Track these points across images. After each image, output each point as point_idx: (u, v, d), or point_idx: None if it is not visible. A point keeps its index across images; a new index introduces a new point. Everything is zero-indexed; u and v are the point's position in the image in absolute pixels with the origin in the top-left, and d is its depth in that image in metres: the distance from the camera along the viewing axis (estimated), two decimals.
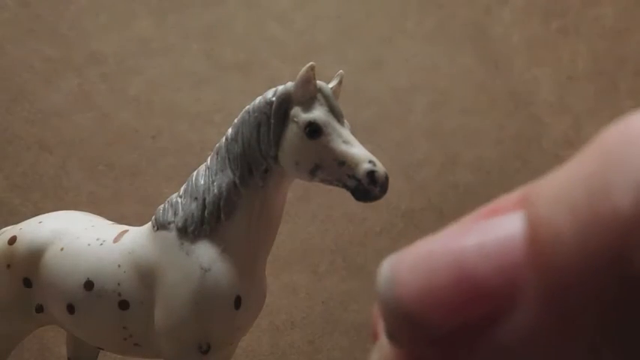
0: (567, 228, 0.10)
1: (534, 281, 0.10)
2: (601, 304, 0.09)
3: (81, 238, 0.86)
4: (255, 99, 0.79)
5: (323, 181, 0.74)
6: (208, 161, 0.83)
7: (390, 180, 0.70)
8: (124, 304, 0.81)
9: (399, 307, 0.12)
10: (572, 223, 0.10)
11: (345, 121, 0.76)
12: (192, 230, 0.80)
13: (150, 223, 0.85)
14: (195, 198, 0.81)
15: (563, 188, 0.10)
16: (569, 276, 0.10)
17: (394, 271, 0.12)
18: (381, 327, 0.13)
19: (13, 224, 0.96)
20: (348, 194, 0.72)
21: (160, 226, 0.82)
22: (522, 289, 0.10)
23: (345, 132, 0.73)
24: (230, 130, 0.81)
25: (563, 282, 0.10)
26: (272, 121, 0.75)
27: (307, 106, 0.74)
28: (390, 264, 0.13)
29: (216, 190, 0.79)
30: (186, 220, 0.80)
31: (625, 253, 0.09)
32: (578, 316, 0.10)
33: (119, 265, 0.82)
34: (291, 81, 0.76)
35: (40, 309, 0.88)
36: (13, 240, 0.88)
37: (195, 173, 0.84)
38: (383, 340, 0.13)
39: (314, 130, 0.72)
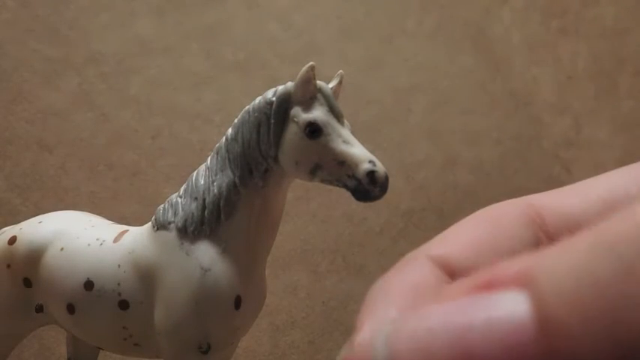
0: (581, 331, 0.09)
1: None
2: None
3: (81, 237, 0.86)
4: (255, 99, 0.79)
5: (323, 181, 0.74)
6: (208, 161, 0.83)
7: (390, 180, 0.70)
8: (124, 304, 0.81)
9: None
10: (586, 327, 0.09)
11: (345, 121, 0.76)
12: (192, 230, 0.80)
13: (150, 223, 0.85)
14: (195, 198, 0.81)
15: (572, 282, 0.10)
16: None
17: (391, 347, 0.12)
18: (361, 323, 0.13)
19: (13, 224, 0.96)
20: (348, 194, 0.72)
21: (160, 226, 0.82)
22: None
23: (345, 132, 0.73)
24: (230, 130, 0.81)
25: None
26: (272, 121, 0.75)
27: (307, 106, 0.74)
28: (386, 337, 0.12)
29: (216, 190, 0.79)
30: (186, 220, 0.80)
31: None
32: None
33: (119, 265, 0.82)
34: (291, 81, 0.76)
35: (40, 309, 0.88)
36: (13, 240, 0.88)
37: (195, 173, 0.84)
38: (361, 338, 0.13)
39: (314, 130, 0.72)
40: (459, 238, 0.17)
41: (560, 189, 0.18)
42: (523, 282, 0.11)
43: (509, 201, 0.18)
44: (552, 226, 0.17)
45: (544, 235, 0.17)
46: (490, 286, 0.11)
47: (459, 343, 0.11)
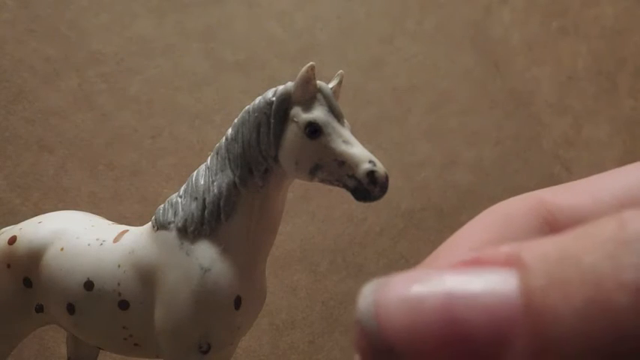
0: (564, 310, 0.10)
1: (525, 342, 0.10)
2: None
3: (81, 238, 0.86)
4: (255, 99, 0.79)
5: (323, 181, 0.74)
6: (208, 161, 0.83)
7: (390, 180, 0.70)
8: (124, 304, 0.81)
9: (382, 341, 0.11)
10: (569, 308, 0.10)
11: (345, 121, 0.76)
12: (192, 230, 0.80)
13: (150, 223, 0.85)
14: (195, 198, 0.81)
15: (558, 264, 0.11)
16: (562, 347, 0.10)
17: (378, 303, 0.12)
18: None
19: (13, 224, 0.96)
20: (348, 194, 0.72)
21: (160, 226, 0.82)
22: (511, 346, 0.11)
23: (345, 132, 0.73)
24: (230, 130, 0.81)
25: (556, 351, 0.10)
26: (272, 121, 0.75)
27: (307, 106, 0.74)
28: (373, 294, 0.12)
29: (216, 190, 0.79)
30: (186, 220, 0.80)
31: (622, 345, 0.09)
32: None
33: (119, 265, 0.82)
34: (291, 81, 0.76)
35: (40, 309, 0.88)
36: (13, 240, 0.89)
37: (195, 173, 0.84)
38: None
39: (314, 130, 0.72)
40: (467, 244, 0.16)
41: (572, 185, 0.17)
42: (515, 264, 0.11)
43: (519, 198, 0.17)
44: (565, 227, 0.16)
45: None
46: (479, 263, 0.12)
47: (446, 307, 0.11)
